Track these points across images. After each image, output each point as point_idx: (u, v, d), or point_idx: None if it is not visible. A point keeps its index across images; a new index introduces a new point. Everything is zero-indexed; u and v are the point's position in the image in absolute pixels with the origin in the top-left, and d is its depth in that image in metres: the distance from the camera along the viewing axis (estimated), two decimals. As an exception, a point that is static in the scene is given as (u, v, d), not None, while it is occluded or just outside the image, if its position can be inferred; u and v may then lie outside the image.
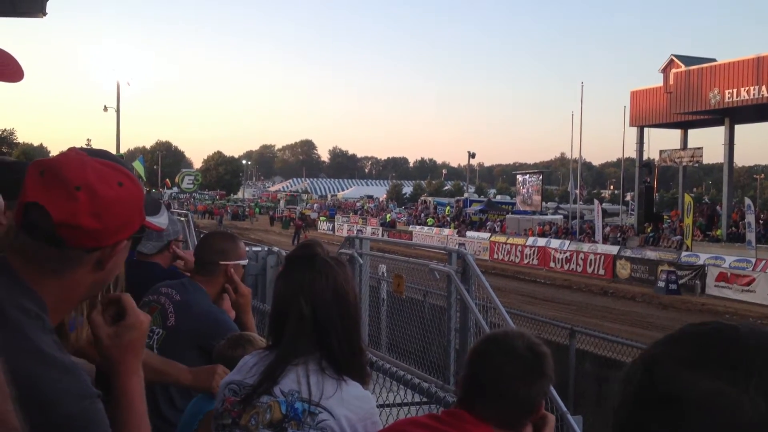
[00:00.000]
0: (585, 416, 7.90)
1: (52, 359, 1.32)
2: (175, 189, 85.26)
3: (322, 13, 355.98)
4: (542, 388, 1.93)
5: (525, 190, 50.89)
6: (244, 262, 3.59)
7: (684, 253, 28.93)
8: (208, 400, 2.99)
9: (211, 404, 2.92)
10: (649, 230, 35.21)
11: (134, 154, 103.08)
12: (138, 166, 27.79)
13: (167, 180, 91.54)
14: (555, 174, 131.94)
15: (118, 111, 40.24)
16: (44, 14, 11.06)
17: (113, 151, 32.14)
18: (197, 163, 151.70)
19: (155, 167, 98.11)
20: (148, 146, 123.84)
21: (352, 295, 2.16)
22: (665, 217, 40.30)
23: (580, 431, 5.60)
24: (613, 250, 32.11)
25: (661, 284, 26.91)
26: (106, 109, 41.62)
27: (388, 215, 62.55)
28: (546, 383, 1.93)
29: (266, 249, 8.40)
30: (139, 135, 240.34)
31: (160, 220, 1.72)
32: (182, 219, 12.54)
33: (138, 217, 1.49)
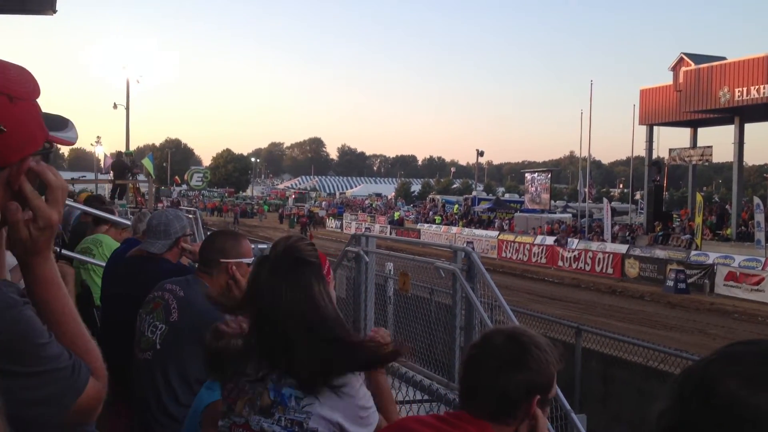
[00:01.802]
0: (590, 415, 7.90)
1: None
2: (184, 186, 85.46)
3: (332, 12, 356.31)
4: (522, 380, 1.91)
5: (534, 189, 50.80)
6: (249, 260, 3.60)
7: (693, 252, 28.83)
8: (209, 392, 3.03)
9: (212, 396, 2.96)
10: (658, 229, 35.10)
11: (144, 151, 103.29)
12: (147, 163, 27.81)
13: (176, 177, 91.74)
14: (564, 172, 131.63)
15: (127, 108, 40.39)
16: (54, 12, 11.12)
17: (123, 149, 32.26)
18: (206, 161, 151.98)
19: (164, 165, 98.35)
20: (157, 144, 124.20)
21: (269, 294, 2.17)
22: (675, 216, 40.17)
23: (584, 430, 5.60)
24: (622, 248, 32.02)
25: (670, 283, 26.84)
26: (115, 106, 41.81)
27: (397, 213, 62.55)
28: (526, 375, 1.91)
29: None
30: (148, 132, 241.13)
31: (69, 134, 1.71)
32: (190, 216, 12.57)
33: (40, 133, 1.48)
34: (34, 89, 1.45)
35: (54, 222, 1.50)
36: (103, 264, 6.37)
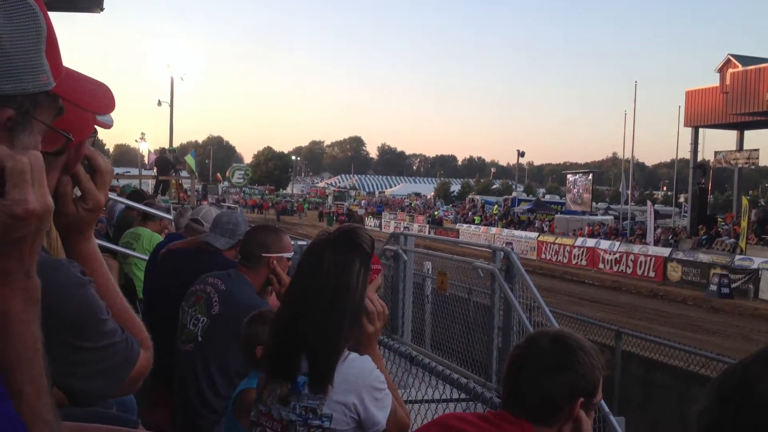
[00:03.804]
0: (629, 418, 7.82)
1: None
2: (226, 183, 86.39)
3: (372, 11, 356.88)
4: (566, 383, 1.91)
5: (575, 190, 50.30)
6: (289, 255, 3.65)
7: (738, 257, 28.29)
8: (247, 380, 3.07)
9: (250, 382, 3.02)
10: (702, 233, 34.50)
11: (187, 148, 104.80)
12: (190, 160, 28.20)
13: (218, 174, 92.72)
14: (606, 174, 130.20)
15: (171, 106, 40.92)
16: (101, 9, 11.28)
17: (166, 146, 32.75)
18: (247, 158, 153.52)
19: (207, 161, 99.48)
20: (200, 141, 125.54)
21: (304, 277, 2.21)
22: (719, 219, 39.49)
23: (623, 433, 5.55)
24: (665, 252, 31.55)
25: (713, 288, 26.38)
26: (160, 103, 42.44)
27: (436, 213, 62.43)
28: (570, 378, 1.91)
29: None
30: (191, 129, 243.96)
31: (106, 118, 1.79)
32: (231, 212, 12.70)
33: (92, 117, 1.52)
34: (108, 105, 1.48)
35: (101, 204, 1.57)
36: (143, 257, 6.47)
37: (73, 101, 1.34)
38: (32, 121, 1.16)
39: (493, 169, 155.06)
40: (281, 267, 3.56)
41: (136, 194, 9.08)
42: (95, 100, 1.42)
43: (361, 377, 2.13)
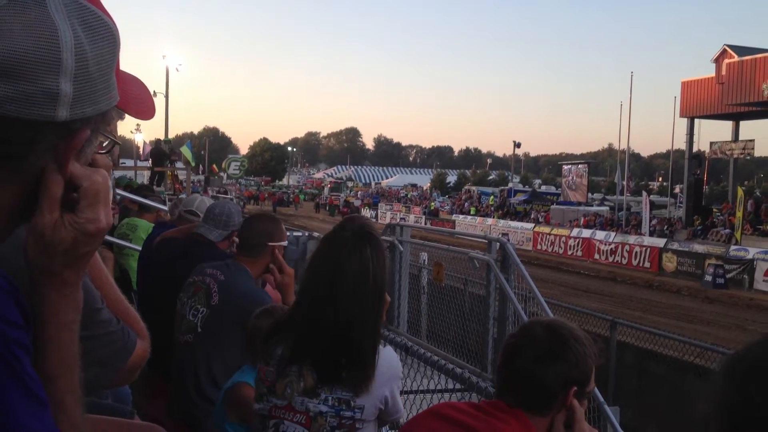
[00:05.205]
0: (624, 407, 7.84)
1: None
2: (223, 175, 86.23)
3: (369, 2, 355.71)
4: (559, 371, 1.91)
5: (570, 177, 50.37)
6: (286, 243, 3.69)
7: (733, 247, 28.33)
8: (239, 374, 3.07)
9: (243, 376, 3.01)
10: (697, 223, 34.54)
11: (182, 139, 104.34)
12: (186, 151, 28.14)
13: (214, 165, 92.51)
14: (602, 165, 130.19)
15: (167, 97, 40.85)
16: (97, 1, 11.25)
17: (162, 137, 32.63)
18: (243, 149, 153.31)
19: (202, 153, 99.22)
20: (195, 132, 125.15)
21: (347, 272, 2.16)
22: (715, 210, 39.55)
23: (617, 422, 5.57)
24: (660, 242, 31.59)
25: (708, 278, 26.43)
26: (155, 94, 42.32)
27: (432, 204, 62.40)
28: (564, 367, 1.92)
29: (306, 234, 8.48)
30: (187, 121, 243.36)
31: None
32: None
33: None
34: (150, 109, 1.48)
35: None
36: (139, 248, 6.46)
37: (125, 110, 1.33)
38: (96, 135, 1.18)
39: (489, 160, 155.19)
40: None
41: (144, 189, 9.06)
42: (141, 105, 1.41)
43: (391, 370, 2.16)
